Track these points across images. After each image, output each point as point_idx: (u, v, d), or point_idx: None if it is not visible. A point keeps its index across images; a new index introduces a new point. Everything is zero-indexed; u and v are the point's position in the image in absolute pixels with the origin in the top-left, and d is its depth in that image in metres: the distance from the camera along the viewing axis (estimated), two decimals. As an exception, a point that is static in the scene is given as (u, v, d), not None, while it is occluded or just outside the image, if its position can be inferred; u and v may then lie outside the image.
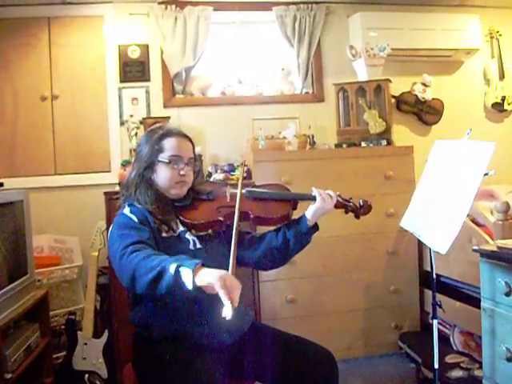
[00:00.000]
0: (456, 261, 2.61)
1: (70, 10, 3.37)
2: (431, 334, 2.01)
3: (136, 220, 1.63)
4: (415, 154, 3.12)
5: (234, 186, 1.82)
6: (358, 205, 1.86)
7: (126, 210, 1.68)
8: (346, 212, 1.86)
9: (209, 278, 1.33)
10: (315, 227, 1.80)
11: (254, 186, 1.91)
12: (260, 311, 2.96)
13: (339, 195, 1.84)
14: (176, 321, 1.65)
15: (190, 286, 1.32)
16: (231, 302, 1.29)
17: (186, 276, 1.33)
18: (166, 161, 1.71)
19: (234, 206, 1.70)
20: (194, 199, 1.79)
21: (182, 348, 1.62)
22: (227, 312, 1.29)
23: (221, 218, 1.73)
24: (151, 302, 1.66)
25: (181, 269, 1.35)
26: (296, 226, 1.79)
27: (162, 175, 1.72)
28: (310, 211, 1.78)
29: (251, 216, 1.76)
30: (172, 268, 1.35)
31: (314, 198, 1.78)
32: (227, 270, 1.44)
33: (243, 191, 1.80)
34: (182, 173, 1.72)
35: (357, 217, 1.86)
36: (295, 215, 1.83)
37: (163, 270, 1.37)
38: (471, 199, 1.69)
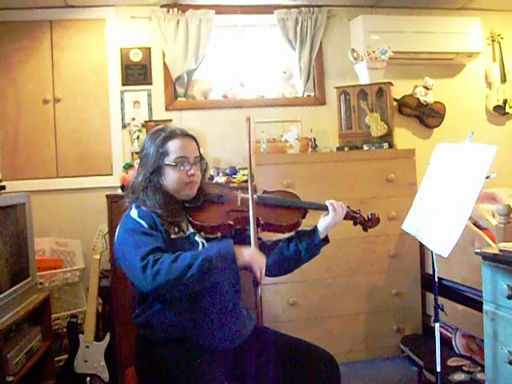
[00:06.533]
0: (458, 264, 2.60)
1: (72, 14, 3.39)
2: (433, 337, 2.01)
3: (145, 225, 1.62)
4: (417, 156, 3.12)
5: (244, 190, 1.79)
6: (366, 218, 1.87)
7: (134, 214, 1.67)
8: (355, 224, 1.87)
9: (246, 257, 1.53)
10: (326, 240, 1.81)
11: (265, 192, 1.89)
12: (262, 314, 2.95)
13: (348, 207, 1.85)
14: (179, 324, 1.65)
15: (236, 264, 1.51)
16: (260, 281, 1.52)
17: (229, 257, 1.51)
18: (173, 164, 1.69)
19: (244, 211, 1.70)
20: (204, 201, 1.77)
21: (184, 351, 1.62)
22: (260, 290, 1.54)
23: (231, 222, 1.71)
24: (157, 302, 1.66)
25: (222, 252, 1.51)
26: (309, 238, 1.79)
27: (171, 178, 1.70)
28: (322, 224, 1.79)
29: (261, 222, 1.73)
30: (214, 254, 1.49)
31: (325, 209, 1.79)
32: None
33: (254, 197, 1.77)
34: (190, 173, 1.70)
35: (365, 229, 1.88)
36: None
37: (207, 257, 1.48)
38: (473, 202, 1.69)
